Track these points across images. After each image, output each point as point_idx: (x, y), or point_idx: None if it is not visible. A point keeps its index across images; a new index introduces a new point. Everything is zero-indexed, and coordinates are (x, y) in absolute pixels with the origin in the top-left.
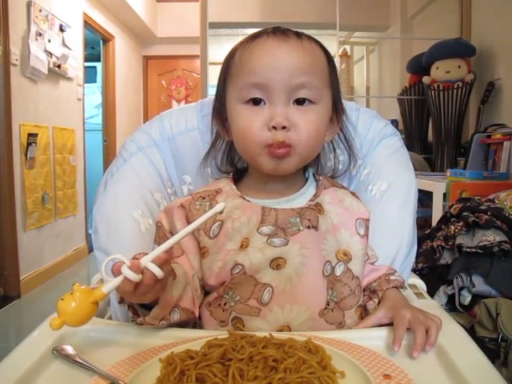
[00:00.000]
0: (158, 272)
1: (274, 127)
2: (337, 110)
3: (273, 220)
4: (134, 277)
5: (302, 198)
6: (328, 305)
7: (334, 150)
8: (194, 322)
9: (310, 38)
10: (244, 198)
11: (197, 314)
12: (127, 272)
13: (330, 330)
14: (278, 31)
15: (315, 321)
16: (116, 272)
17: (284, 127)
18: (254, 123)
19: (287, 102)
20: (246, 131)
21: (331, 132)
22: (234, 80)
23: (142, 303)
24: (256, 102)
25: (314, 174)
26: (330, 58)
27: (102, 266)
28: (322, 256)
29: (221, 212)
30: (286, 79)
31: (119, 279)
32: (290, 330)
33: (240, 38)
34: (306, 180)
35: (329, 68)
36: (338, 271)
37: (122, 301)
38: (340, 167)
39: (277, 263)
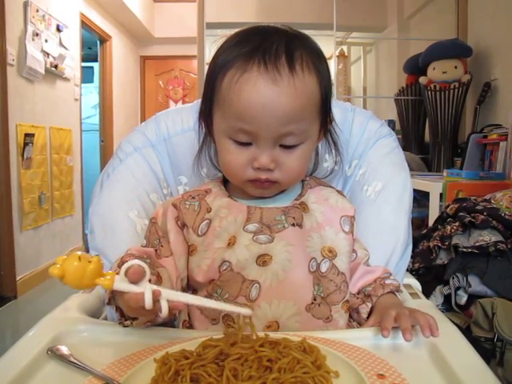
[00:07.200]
0: (164, 313)
1: (259, 168)
2: (325, 126)
3: (258, 218)
4: (148, 304)
5: (287, 198)
6: (315, 300)
7: (317, 153)
8: (184, 320)
9: (302, 65)
10: (231, 198)
11: (177, 315)
12: (147, 295)
13: (318, 324)
14: (271, 62)
15: (302, 315)
16: (132, 277)
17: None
18: (239, 160)
19: (274, 145)
20: (229, 167)
21: (317, 141)
22: (221, 110)
23: None
24: (243, 143)
25: None
26: (322, 76)
27: (124, 266)
28: (307, 253)
29: (247, 315)
30: (274, 127)
31: (134, 291)
32: (278, 325)
33: None
34: None
35: (320, 89)
36: (324, 268)
37: (110, 302)
38: (336, 168)
39: (263, 260)
